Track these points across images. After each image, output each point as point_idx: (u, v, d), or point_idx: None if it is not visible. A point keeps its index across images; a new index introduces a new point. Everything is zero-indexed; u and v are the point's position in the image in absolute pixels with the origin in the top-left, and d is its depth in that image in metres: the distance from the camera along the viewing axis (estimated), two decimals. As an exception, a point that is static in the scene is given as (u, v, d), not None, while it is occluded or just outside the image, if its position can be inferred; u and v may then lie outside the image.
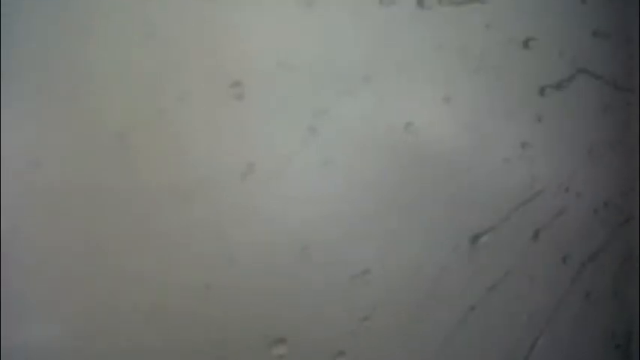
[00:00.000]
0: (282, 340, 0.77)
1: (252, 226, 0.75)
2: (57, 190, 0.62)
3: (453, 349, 0.99)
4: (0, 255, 0.58)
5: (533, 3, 1.11)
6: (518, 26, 1.08)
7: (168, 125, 0.68)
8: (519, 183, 1.10)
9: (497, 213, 1.06)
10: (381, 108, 0.88)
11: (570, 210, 1.22)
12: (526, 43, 1.09)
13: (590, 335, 1.32)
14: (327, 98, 0.82)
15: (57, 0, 0.62)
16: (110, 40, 0.64)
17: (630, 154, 1.39)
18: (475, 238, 1.03)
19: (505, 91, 1.06)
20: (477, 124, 1.02)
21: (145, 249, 0.67)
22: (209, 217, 0.71)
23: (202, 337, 0.71)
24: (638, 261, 1.42)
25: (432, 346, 0.97)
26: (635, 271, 1.43)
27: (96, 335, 0.64)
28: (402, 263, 0.92)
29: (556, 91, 1.16)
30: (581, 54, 1.22)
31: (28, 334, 0.60)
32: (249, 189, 0.74)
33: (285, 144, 0.78)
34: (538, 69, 1.13)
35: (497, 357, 1.09)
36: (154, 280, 0.67)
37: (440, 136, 0.97)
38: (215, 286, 0.71)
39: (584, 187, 1.25)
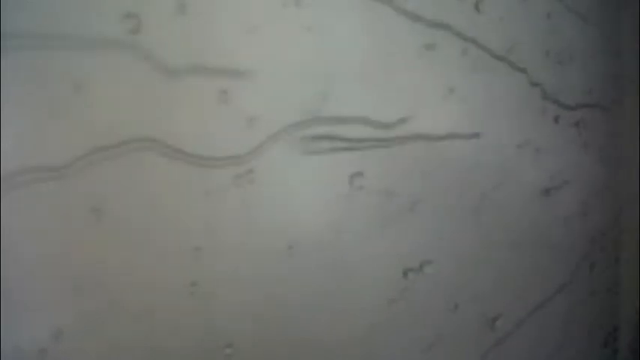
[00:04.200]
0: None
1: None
2: (56, 192, 0.63)
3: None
4: (0, 255, 0.60)
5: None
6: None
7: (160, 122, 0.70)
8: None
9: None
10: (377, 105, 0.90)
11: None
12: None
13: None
14: (322, 96, 0.83)
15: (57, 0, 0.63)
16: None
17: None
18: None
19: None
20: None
21: (140, 248, 0.69)
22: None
23: (189, 333, 0.73)
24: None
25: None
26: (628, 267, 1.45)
27: (96, 336, 0.66)
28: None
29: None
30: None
31: (28, 334, 0.62)
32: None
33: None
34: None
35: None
36: (146, 277, 0.69)
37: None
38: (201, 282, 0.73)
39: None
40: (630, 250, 1.43)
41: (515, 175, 1.14)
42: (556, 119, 1.22)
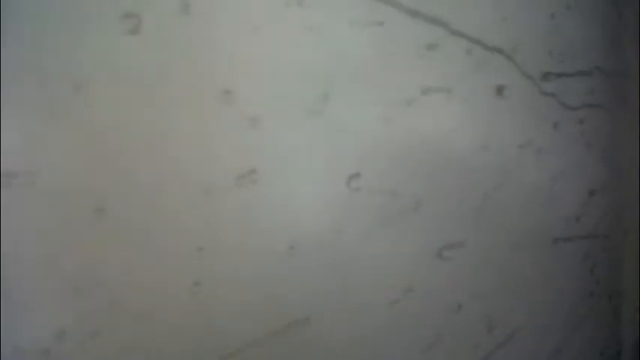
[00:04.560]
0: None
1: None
2: (55, 195, 0.63)
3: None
4: (0, 255, 0.60)
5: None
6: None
7: (161, 127, 0.69)
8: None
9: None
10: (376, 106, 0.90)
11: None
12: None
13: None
14: (322, 97, 0.83)
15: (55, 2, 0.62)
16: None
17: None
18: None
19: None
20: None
21: (139, 247, 0.69)
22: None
23: (191, 334, 0.72)
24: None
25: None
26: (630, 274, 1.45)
27: (98, 337, 0.66)
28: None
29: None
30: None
31: (29, 335, 0.62)
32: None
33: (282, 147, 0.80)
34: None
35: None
36: (149, 278, 0.69)
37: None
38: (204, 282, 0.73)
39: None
40: (632, 251, 1.43)
41: (516, 176, 1.14)
42: (558, 119, 1.22)
